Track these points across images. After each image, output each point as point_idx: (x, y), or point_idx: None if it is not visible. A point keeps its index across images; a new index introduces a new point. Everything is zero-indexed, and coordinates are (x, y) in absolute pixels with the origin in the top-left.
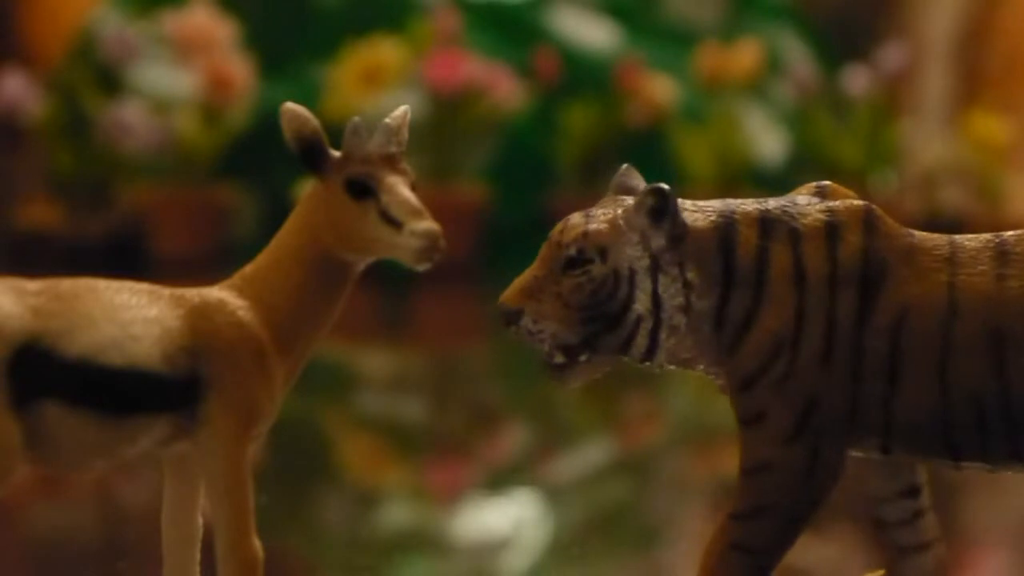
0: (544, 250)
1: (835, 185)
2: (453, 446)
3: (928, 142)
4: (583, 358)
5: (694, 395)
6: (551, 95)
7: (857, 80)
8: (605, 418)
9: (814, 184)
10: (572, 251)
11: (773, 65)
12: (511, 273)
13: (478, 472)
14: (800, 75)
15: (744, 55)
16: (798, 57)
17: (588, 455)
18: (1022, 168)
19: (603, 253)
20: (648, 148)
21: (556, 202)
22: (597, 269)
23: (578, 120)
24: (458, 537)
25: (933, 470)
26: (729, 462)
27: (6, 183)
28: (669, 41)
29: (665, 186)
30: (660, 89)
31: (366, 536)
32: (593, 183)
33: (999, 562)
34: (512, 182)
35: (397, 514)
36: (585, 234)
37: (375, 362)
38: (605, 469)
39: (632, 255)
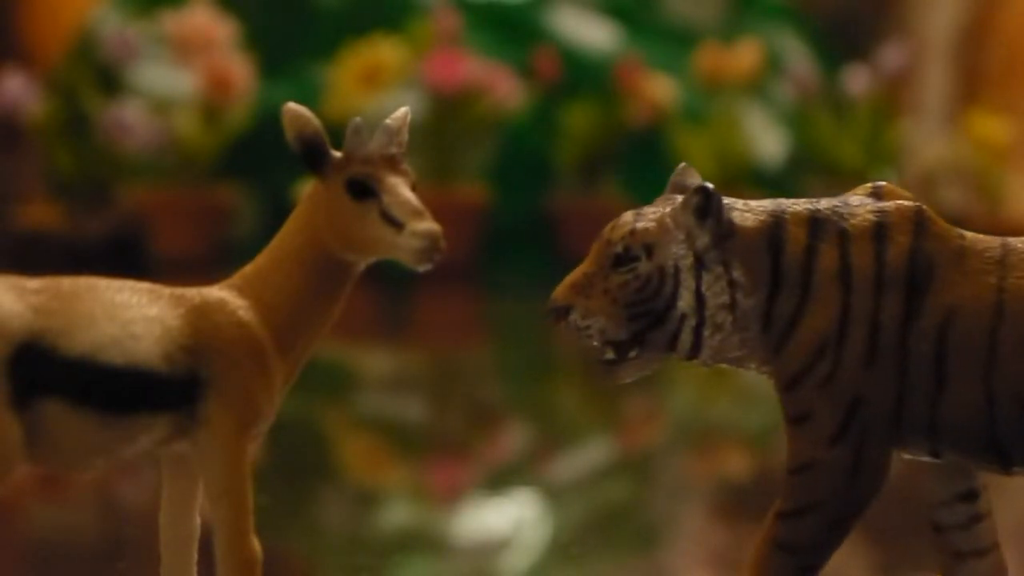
0: (595, 247)
1: (891, 186)
2: (453, 446)
3: (928, 142)
4: (632, 354)
5: (694, 395)
6: (551, 95)
7: (857, 80)
8: (605, 418)
9: (870, 184)
10: (619, 248)
11: (773, 65)
12: (511, 273)
13: (478, 472)
14: (800, 75)
15: (744, 55)
16: (798, 57)
17: (588, 455)
18: (1022, 168)
19: (649, 250)
20: (648, 148)
21: (556, 202)
22: (643, 266)
23: (578, 120)
24: (458, 537)
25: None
26: (729, 462)
27: (6, 183)
28: (669, 41)
29: (711, 185)
30: (660, 89)
31: (366, 536)
32: (593, 183)
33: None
34: (512, 182)
35: (397, 514)
36: (633, 232)
37: (375, 362)
38: (605, 469)
39: (677, 253)
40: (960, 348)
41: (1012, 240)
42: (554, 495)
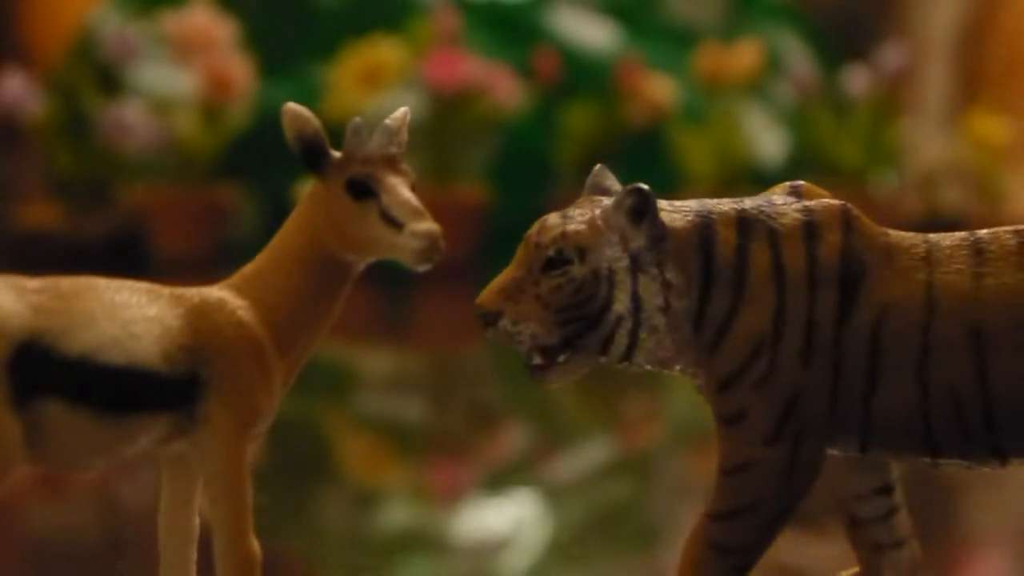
0: (521, 251)
1: (809, 184)
2: (453, 446)
3: (928, 142)
4: (562, 359)
5: (694, 395)
6: (551, 95)
7: (857, 80)
8: (605, 418)
9: (788, 184)
10: (551, 252)
11: (773, 65)
12: None
13: (478, 472)
14: (800, 75)
15: (744, 55)
16: (798, 57)
17: (588, 455)
18: (1022, 168)
19: (582, 254)
20: (648, 148)
21: (556, 202)
22: (576, 270)
23: (578, 120)
24: (458, 537)
25: (916, 471)
26: None
27: (6, 183)
28: (669, 41)
29: (644, 186)
30: (660, 89)
31: (366, 536)
32: None
33: (999, 562)
34: (512, 182)
35: (397, 514)
36: (564, 235)
37: (375, 362)
38: (605, 469)
39: (611, 255)
40: (893, 345)
41: (933, 236)
42: (554, 495)
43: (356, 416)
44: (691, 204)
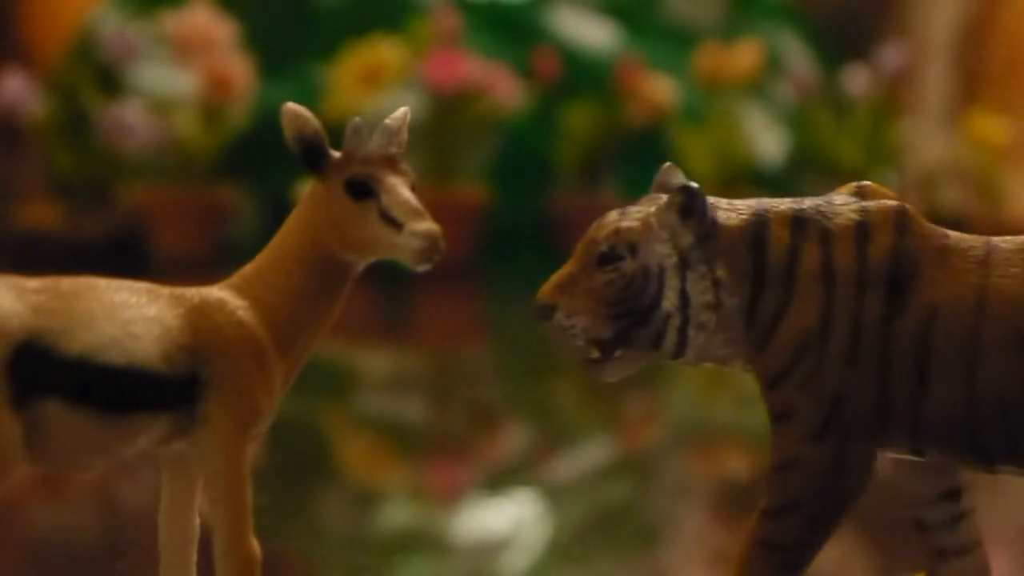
0: (579, 246)
1: (875, 185)
2: (453, 446)
3: (928, 142)
4: (618, 353)
5: (694, 395)
6: (551, 95)
7: (857, 80)
8: (605, 418)
9: (854, 184)
10: (604, 247)
11: (773, 65)
12: (511, 273)
13: (478, 472)
14: (800, 75)
15: (744, 55)
16: (798, 57)
17: (588, 455)
18: (1022, 168)
19: (633, 250)
20: (648, 148)
21: (556, 202)
22: (628, 265)
23: (578, 120)
24: (458, 537)
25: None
26: (729, 462)
27: (6, 183)
28: (669, 41)
29: (695, 185)
30: (660, 89)
31: (366, 536)
32: (593, 183)
33: (999, 562)
34: (512, 182)
35: (397, 514)
36: (617, 231)
37: (375, 362)
38: (605, 469)
39: (661, 252)
40: (942, 347)
41: (995, 240)
42: (554, 495)
43: (356, 416)
44: (750, 202)
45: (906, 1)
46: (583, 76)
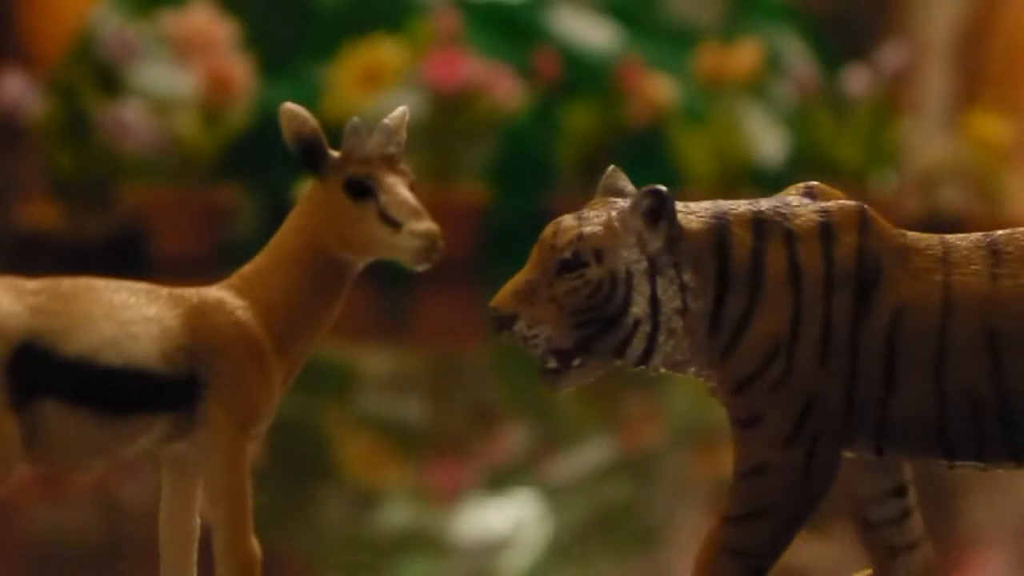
0: (536, 253)
1: (823, 185)
2: (453, 446)
3: (928, 142)
4: (577, 362)
5: (694, 395)
6: (551, 95)
7: (857, 80)
8: (605, 418)
9: (802, 184)
10: (567, 254)
11: (773, 65)
12: (511, 273)
13: (478, 472)
14: (800, 75)
15: (744, 55)
16: (798, 57)
17: (588, 455)
18: (1022, 168)
19: (599, 256)
20: (648, 148)
21: (556, 202)
22: (593, 272)
23: (578, 120)
24: (458, 537)
25: (924, 471)
26: (729, 462)
27: (6, 183)
28: (669, 41)
29: (663, 188)
30: (660, 89)
31: (366, 536)
32: (593, 183)
33: (999, 562)
34: (512, 182)
35: (397, 514)
36: (580, 236)
37: (375, 362)
38: (605, 469)
39: (629, 258)
40: (910, 346)
41: (950, 237)
42: (554, 495)
43: (356, 416)
44: (707, 205)
45: (906, 1)
46: (583, 76)
